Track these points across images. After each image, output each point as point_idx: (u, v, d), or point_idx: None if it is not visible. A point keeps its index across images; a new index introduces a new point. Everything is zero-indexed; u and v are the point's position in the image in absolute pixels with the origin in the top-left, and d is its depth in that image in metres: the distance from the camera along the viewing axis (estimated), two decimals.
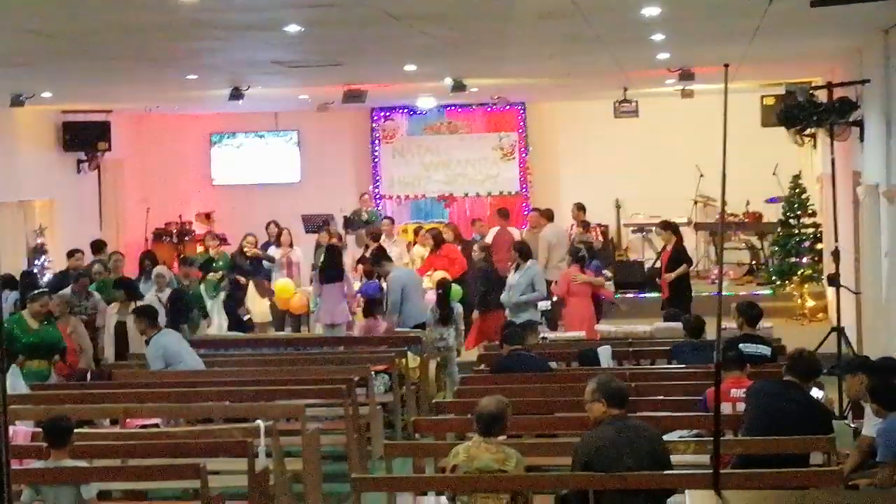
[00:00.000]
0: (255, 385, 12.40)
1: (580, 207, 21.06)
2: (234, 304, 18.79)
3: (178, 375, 12.98)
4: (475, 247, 18.15)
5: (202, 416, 11.68)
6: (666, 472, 7.91)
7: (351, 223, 21.41)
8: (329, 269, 16.83)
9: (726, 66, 3.52)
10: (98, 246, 18.35)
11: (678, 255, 17.18)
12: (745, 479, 8.17)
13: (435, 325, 15.72)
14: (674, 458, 9.16)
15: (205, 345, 15.65)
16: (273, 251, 19.38)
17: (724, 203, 3.71)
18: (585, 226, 20.53)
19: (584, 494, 7.95)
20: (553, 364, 12.94)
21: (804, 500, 3.24)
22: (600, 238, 21.42)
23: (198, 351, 15.16)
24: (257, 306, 18.95)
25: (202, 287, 17.90)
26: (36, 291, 13.88)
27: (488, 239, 19.94)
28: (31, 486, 8.59)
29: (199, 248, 21.94)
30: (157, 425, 11.52)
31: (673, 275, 16.87)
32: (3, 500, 4.49)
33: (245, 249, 19.11)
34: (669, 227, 17.63)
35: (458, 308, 16.02)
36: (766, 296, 20.05)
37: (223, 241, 21.22)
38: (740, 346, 11.01)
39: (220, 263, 18.95)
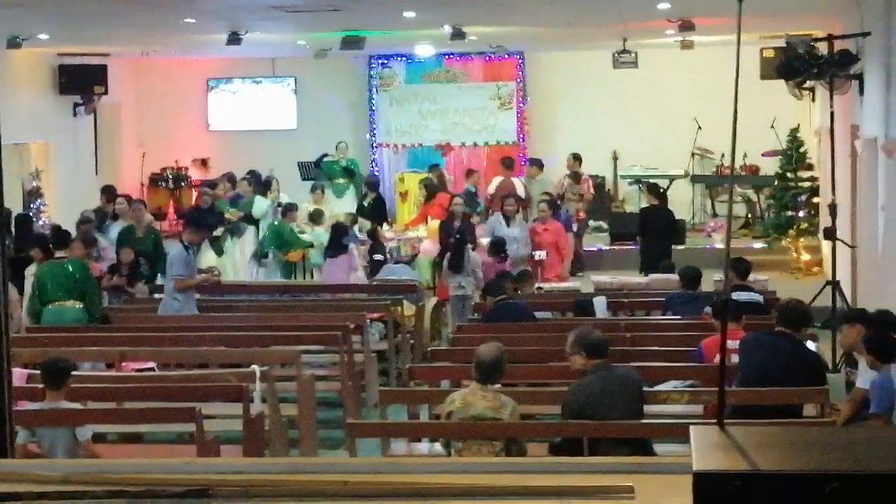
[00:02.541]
0: (251, 331, 12.45)
1: (576, 157, 20.99)
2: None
3: (175, 320, 13.02)
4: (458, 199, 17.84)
5: (198, 361, 11.69)
6: (661, 421, 7.96)
7: (326, 172, 21.35)
8: (334, 243, 16.61)
9: (740, 1, 3.49)
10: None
11: (643, 218, 17.67)
12: None
13: (449, 273, 15.55)
14: (668, 408, 9.27)
15: (200, 290, 15.67)
16: (260, 201, 19.35)
17: (734, 151, 3.69)
18: (575, 177, 20.42)
19: (575, 442, 8.00)
20: (549, 314, 12.98)
21: (808, 436, 3.25)
22: (592, 190, 21.40)
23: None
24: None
25: None
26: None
27: (491, 189, 19.89)
28: (27, 427, 8.63)
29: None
30: (152, 369, 11.54)
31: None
32: (6, 440, 4.52)
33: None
34: (650, 191, 17.90)
35: (475, 257, 15.79)
36: (761, 249, 20.09)
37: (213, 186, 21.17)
38: (733, 294, 11.07)
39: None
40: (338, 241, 16.66)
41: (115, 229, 16.08)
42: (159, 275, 15.05)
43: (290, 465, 3.81)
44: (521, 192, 19.55)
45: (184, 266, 13.24)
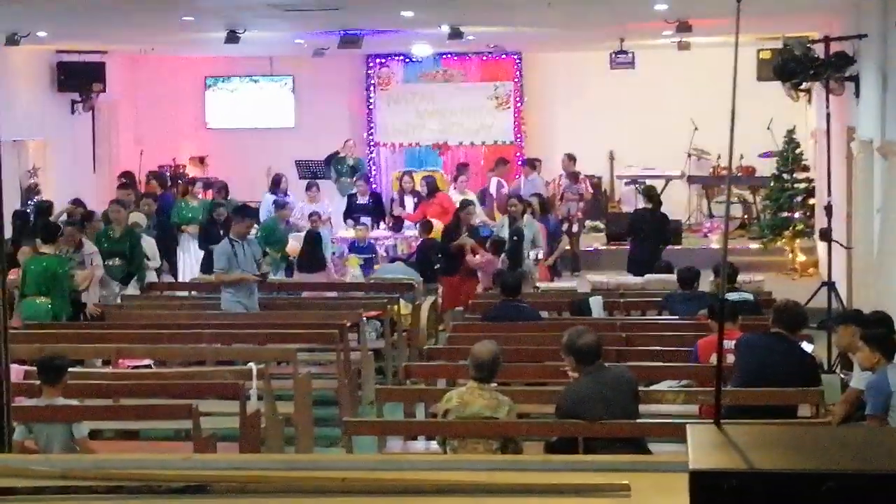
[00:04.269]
0: (248, 328, 12.45)
1: (571, 158, 21.07)
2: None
3: (171, 318, 13.04)
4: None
5: (194, 359, 11.70)
6: (656, 420, 7.97)
7: (334, 170, 21.31)
8: (309, 257, 15.99)
9: (739, 0, 3.51)
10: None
11: (632, 220, 17.74)
12: None
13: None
14: (663, 408, 9.29)
15: (196, 288, 15.70)
16: (269, 200, 19.31)
17: (731, 152, 3.72)
18: (573, 176, 20.51)
19: (571, 442, 8.02)
20: (545, 314, 12.99)
21: (805, 435, 3.28)
22: (590, 189, 21.45)
23: (190, 293, 15.31)
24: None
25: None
26: None
27: (492, 189, 19.76)
28: (24, 423, 8.63)
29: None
30: (149, 366, 11.55)
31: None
32: (4, 436, 4.54)
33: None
34: (644, 194, 17.97)
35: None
36: (756, 250, 20.12)
37: (209, 186, 21.02)
38: (726, 296, 11.11)
39: (191, 215, 18.66)
40: (311, 254, 15.93)
41: None
42: (136, 276, 14.75)
43: (287, 462, 3.82)
44: (492, 191, 19.51)
45: (224, 260, 13.11)
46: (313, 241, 16.22)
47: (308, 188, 19.73)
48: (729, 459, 3.00)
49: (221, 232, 16.73)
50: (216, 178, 22.19)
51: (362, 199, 20.22)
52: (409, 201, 20.04)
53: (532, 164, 20.95)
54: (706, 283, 13.14)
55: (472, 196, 19.04)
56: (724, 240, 4.98)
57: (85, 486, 3.60)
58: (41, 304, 12.90)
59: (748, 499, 2.91)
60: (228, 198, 19.01)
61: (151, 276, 15.52)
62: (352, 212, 19.80)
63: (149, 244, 15.32)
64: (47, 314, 12.86)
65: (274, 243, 17.09)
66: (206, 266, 16.74)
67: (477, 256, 15.75)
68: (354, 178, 20.78)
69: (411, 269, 16.31)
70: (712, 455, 3.05)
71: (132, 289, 14.68)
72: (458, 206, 17.05)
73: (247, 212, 14.26)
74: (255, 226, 15.81)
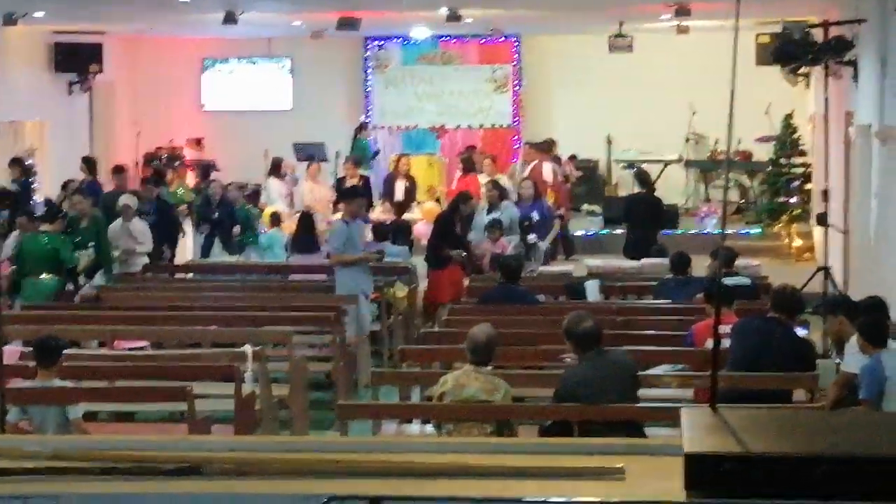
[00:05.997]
0: (243, 311, 12.43)
1: (551, 143, 21.16)
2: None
3: (167, 300, 13.02)
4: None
5: (190, 341, 11.68)
6: (651, 405, 7.98)
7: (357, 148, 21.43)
8: (303, 238, 15.71)
9: None
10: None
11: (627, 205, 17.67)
12: None
13: None
14: (658, 392, 9.29)
15: (192, 270, 15.67)
16: (275, 183, 19.26)
17: (730, 137, 3.70)
18: (557, 160, 20.52)
19: (566, 426, 8.01)
20: (541, 297, 12.97)
21: (798, 419, 3.28)
22: (574, 171, 21.44)
23: (185, 276, 15.25)
24: None
25: None
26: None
27: (526, 173, 19.59)
28: (18, 405, 8.62)
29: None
30: (144, 348, 11.54)
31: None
32: None
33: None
34: (637, 178, 17.96)
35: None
36: (753, 234, 20.12)
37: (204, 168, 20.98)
38: (723, 280, 11.11)
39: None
40: (304, 235, 15.64)
41: None
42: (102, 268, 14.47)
43: (281, 444, 3.82)
44: (548, 177, 19.29)
45: (339, 241, 13.04)
46: (306, 222, 16.11)
47: (309, 166, 19.71)
48: (723, 442, 3.00)
49: (217, 214, 16.67)
50: (209, 160, 22.20)
51: (351, 182, 19.91)
52: (401, 185, 20.02)
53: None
54: (702, 267, 13.13)
55: (503, 179, 18.91)
56: (722, 224, 4.97)
57: (77, 466, 3.59)
58: (46, 282, 12.82)
59: (742, 482, 2.90)
60: (211, 179, 18.85)
61: (143, 260, 15.34)
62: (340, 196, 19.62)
63: (140, 227, 15.10)
64: (52, 290, 12.79)
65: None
66: (205, 250, 16.70)
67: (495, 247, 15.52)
68: (343, 161, 20.62)
69: (404, 251, 16.02)
70: (707, 438, 3.05)
71: (99, 280, 14.22)
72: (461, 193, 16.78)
73: (358, 191, 14.05)
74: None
